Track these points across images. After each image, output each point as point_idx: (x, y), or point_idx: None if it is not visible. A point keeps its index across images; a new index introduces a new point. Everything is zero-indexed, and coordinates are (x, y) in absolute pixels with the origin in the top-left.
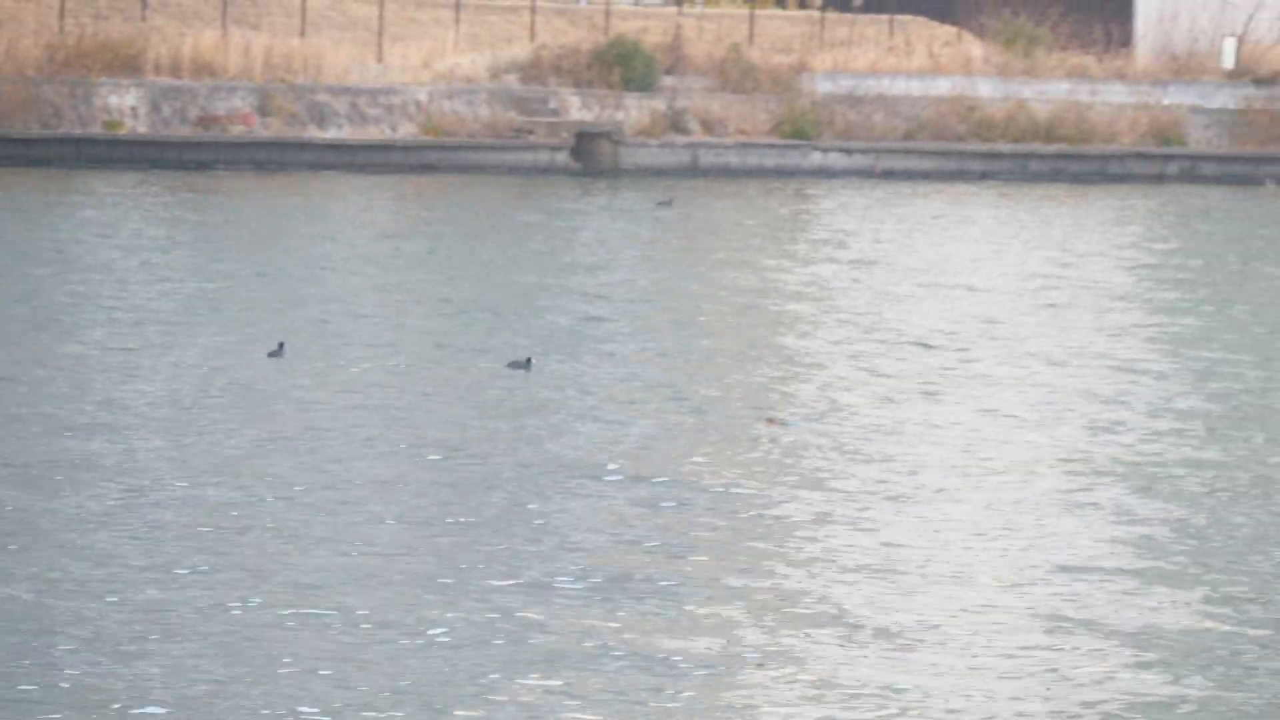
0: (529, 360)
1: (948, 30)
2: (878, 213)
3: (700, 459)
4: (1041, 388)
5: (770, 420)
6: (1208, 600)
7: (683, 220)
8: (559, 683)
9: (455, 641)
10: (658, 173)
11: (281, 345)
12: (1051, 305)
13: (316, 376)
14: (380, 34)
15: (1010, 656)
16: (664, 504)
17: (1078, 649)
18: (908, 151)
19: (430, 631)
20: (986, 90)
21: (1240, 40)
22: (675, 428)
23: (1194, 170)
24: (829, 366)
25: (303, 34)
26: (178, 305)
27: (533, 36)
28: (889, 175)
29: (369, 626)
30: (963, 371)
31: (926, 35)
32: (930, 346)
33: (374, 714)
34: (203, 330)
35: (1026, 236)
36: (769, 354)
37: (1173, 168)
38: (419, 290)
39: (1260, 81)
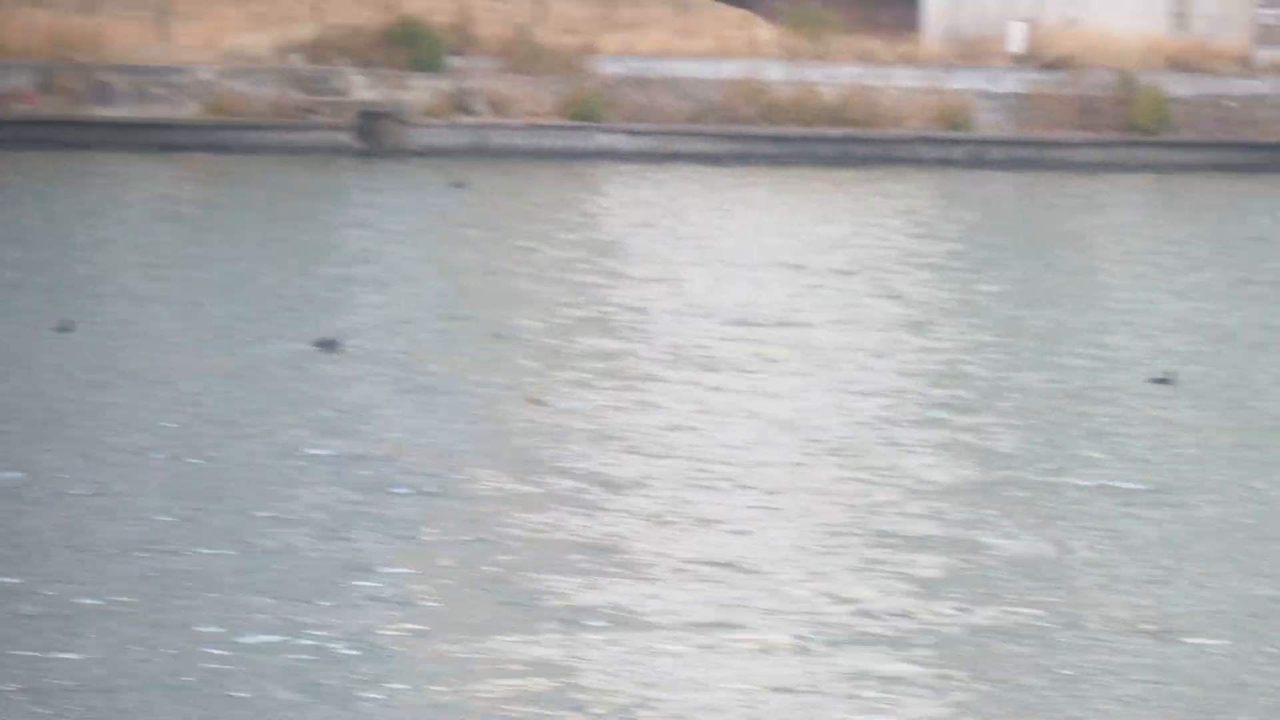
0: (332, 342)
1: (736, 13)
2: (659, 195)
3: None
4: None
5: (531, 400)
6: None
7: (478, 202)
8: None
9: None
10: (444, 154)
11: (69, 323)
12: (813, 286)
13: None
14: (165, 12)
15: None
16: (398, 488)
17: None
18: (694, 134)
19: None
20: (775, 73)
21: (1027, 25)
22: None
23: (981, 154)
24: (603, 351)
25: (86, 11)
26: None
27: (319, 16)
28: (675, 158)
29: None
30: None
31: (715, 18)
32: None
33: None
34: None
35: (798, 218)
36: (538, 336)
37: (959, 152)
38: (212, 273)
39: (1047, 66)
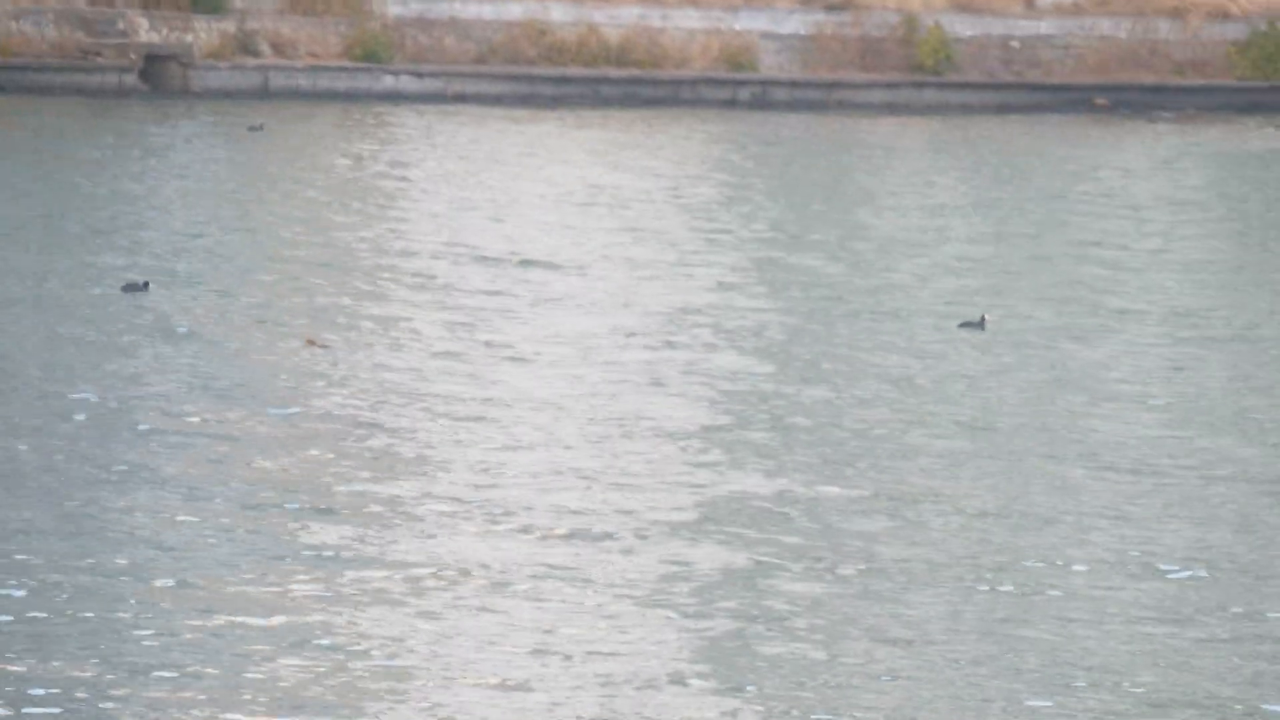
0: (145, 283)
1: None
2: (450, 136)
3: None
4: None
5: (310, 341)
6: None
7: (274, 144)
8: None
9: None
10: (228, 95)
11: None
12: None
13: None
14: None
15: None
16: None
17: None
18: (479, 75)
19: None
20: (558, 14)
21: None
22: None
23: (765, 96)
24: (387, 291)
25: None
26: None
27: None
28: (461, 100)
29: None
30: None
31: None
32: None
33: None
34: None
35: (576, 159)
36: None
37: (744, 93)
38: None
39: (831, 8)
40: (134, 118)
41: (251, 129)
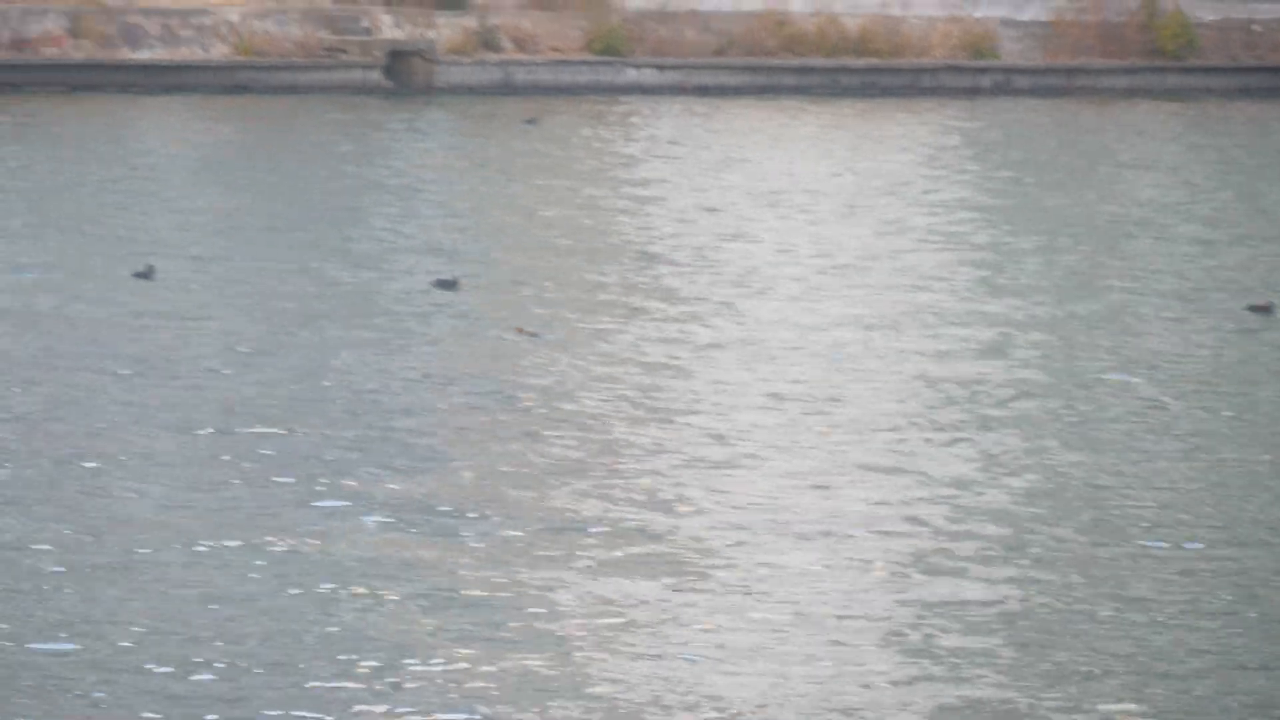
0: (149, 267)
1: None
2: (704, 128)
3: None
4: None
5: (520, 330)
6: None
7: (552, 138)
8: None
9: None
10: (470, 91)
11: (150, 268)
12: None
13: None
14: None
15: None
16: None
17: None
18: (719, 67)
19: None
20: (797, 4)
21: None
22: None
23: (1008, 83)
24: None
25: None
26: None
27: None
28: (702, 92)
29: None
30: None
31: None
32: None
33: None
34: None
35: (850, 152)
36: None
37: (986, 80)
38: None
39: None
40: (392, 113)
41: (527, 123)
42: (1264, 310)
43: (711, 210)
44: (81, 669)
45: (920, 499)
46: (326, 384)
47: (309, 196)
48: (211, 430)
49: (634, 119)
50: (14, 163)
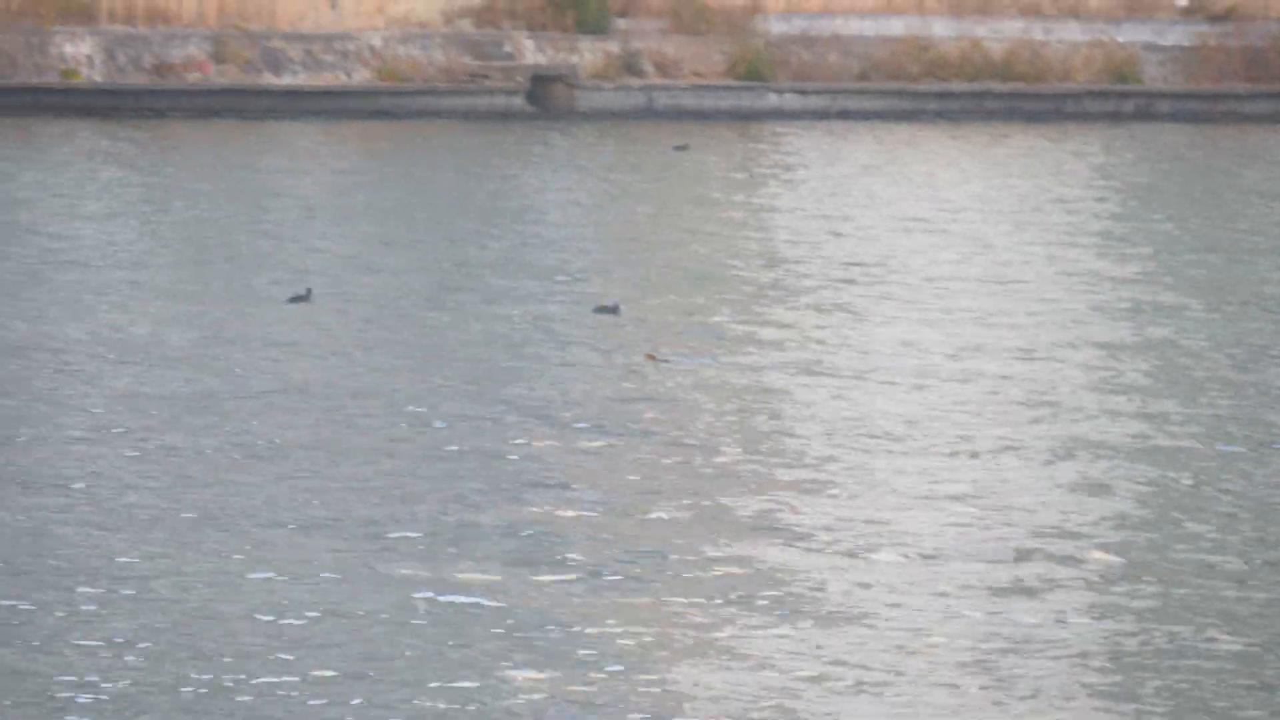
0: (308, 291)
1: None
2: (852, 152)
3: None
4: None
5: (650, 356)
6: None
7: (704, 164)
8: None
9: None
10: (613, 115)
11: (309, 290)
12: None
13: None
14: None
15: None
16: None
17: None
18: (862, 92)
19: None
20: (940, 29)
21: None
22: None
23: (1150, 108)
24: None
25: None
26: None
27: None
28: (845, 116)
29: None
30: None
31: None
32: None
33: None
34: (195, 275)
35: (1010, 176)
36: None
37: (1128, 106)
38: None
39: (1214, 18)
40: (538, 137)
41: (677, 149)
42: None
43: (869, 237)
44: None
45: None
46: (501, 408)
47: (462, 221)
48: (461, 450)
49: (783, 143)
50: (160, 190)
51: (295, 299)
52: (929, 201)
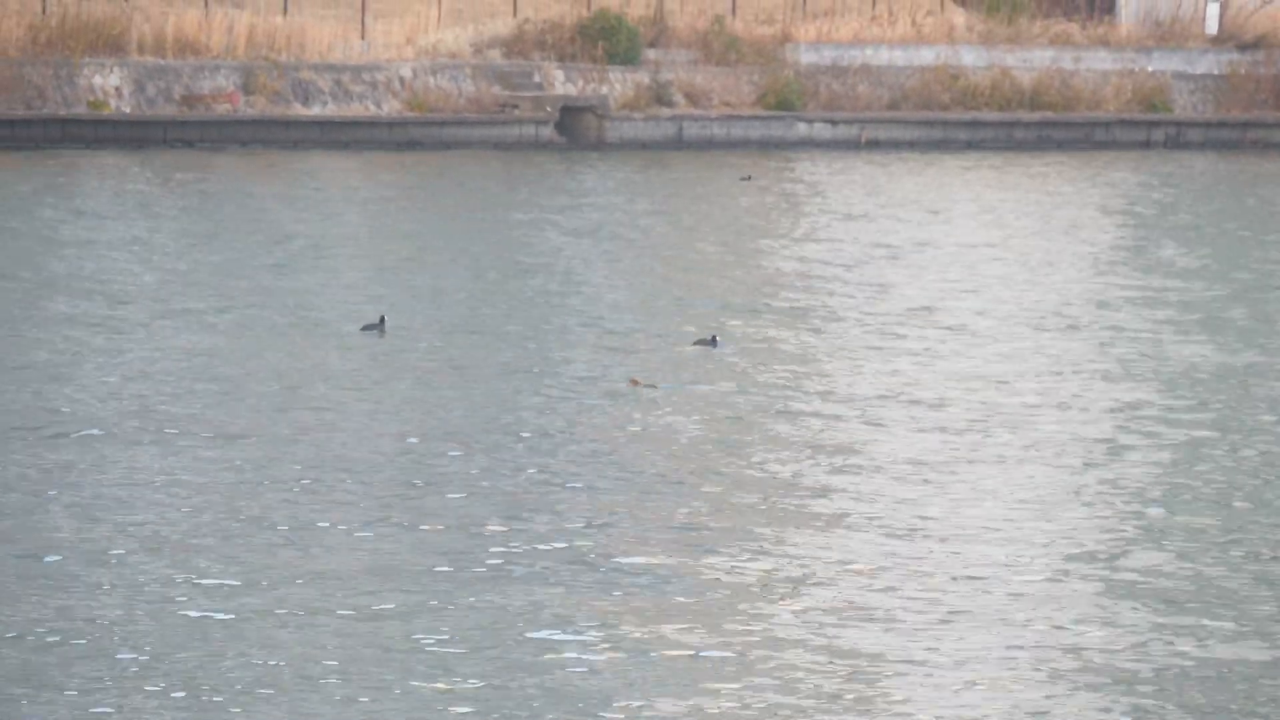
0: (382, 320)
1: None
2: (910, 182)
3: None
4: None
5: (634, 381)
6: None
7: (771, 193)
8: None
9: None
10: (642, 146)
11: (381, 319)
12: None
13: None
14: (363, 10)
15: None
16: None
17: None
18: (893, 121)
19: None
20: (970, 59)
21: (1223, 6)
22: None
23: (1180, 136)
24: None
25: (285, 12)
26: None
27: (515, 11)
28: (874, 146)
29: None
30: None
31: (909, 4)
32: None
33: None
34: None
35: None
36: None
37: (1158, 134)
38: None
39: (1244, 47)
40: (577, 167)
41: (742, 179)
42: None
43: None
44: None
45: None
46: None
47: (525, 252)
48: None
49: (828, 173)
50: (193, 223)
51: (368, 328)
52: (992, 230)
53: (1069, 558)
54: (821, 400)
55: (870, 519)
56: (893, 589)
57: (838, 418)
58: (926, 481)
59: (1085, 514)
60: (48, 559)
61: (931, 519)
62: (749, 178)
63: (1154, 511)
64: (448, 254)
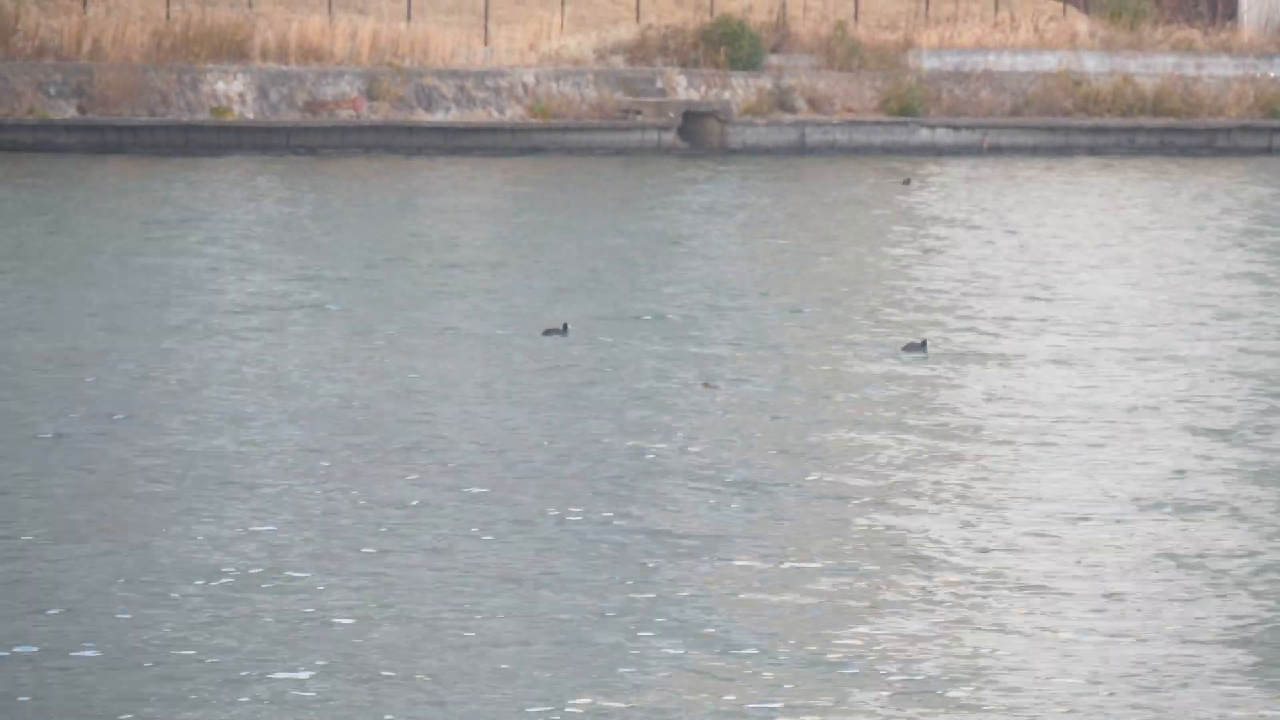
0: (565, 326)
1: (1053, 5)
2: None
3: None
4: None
5: (707, 385)
6: None
7: (938, 197)
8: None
9: None
10: (765, 151)
11: (565, 325)
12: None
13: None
14: (486, 17)
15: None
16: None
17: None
18: (1015, 127)
19: None
20: (1092, 65)
21: None
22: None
23: None
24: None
25: (409, 18)
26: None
27: (638, 17)
28: (996, 151)
29: None
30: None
31: (1031, 10)
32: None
33: None
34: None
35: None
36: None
37: None
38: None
39: None
40: (718, 172)
41: (904, 183)
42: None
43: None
44: None
45: None
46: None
47: (702, 267)
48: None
49: (975, 180)
50: (330, 229)
51: (549, 332)
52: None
53: None
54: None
55: None
56: None
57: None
58: None
59: None
60: None
61: None
62: (909, 181)
63: None
64: (598, 262)
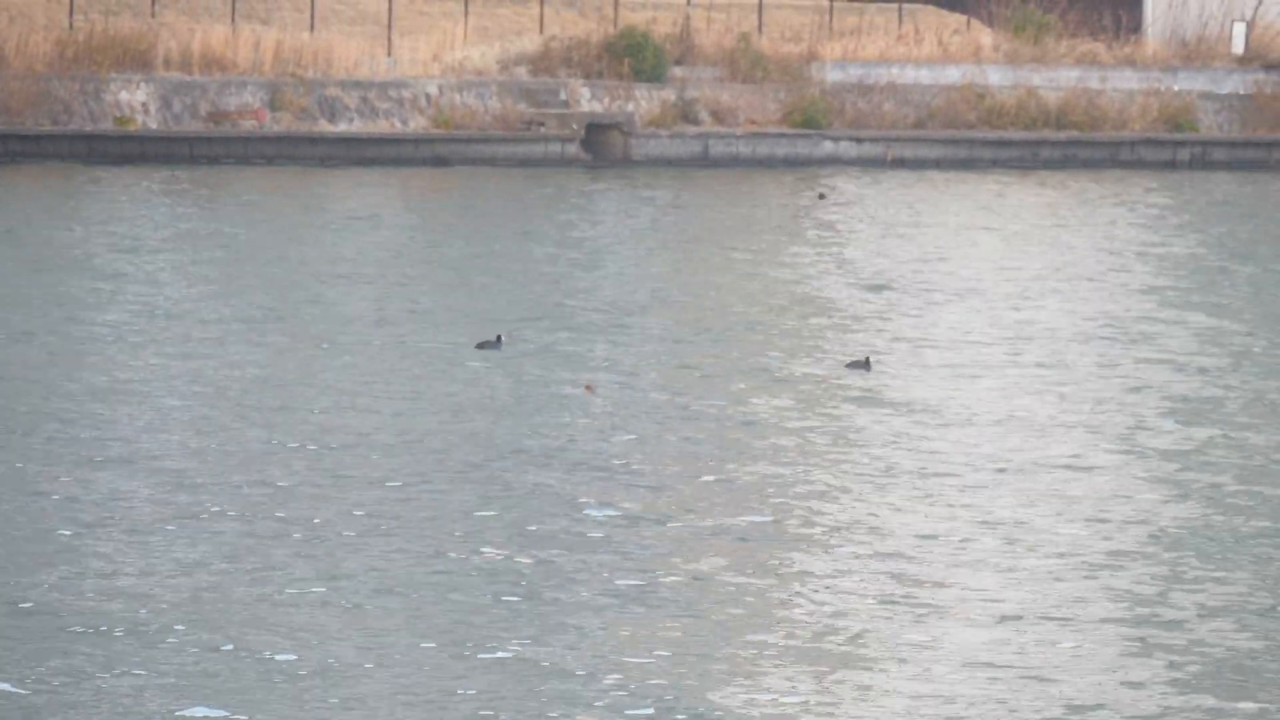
0: (498, 338)
1: (957, 18)
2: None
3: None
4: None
5: (588, 387)
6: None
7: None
8: None
9: None
10: (668, 163)
11: (499, 337)
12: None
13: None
14: (390, 27)
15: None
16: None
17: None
18: (918, 140)
19: None
20: (996, 78)
21: (1250, 25)
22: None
23: (1205, 156)
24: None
25: (312, 28)
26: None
27: (542, 29)
28: (900, 164)
29: None
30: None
31: (936, 23)
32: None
33: None
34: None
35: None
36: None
37: (1184, 154)
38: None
39: (1270, 66)
40: (634, 188)
41: (819, 197)
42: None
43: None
44: None
45: None
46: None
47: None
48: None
49: (880, 193)
50: (234, 242)
51: (483, 345)
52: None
53: None
54: None
55: None
56: None
57: None
58: None
59: None
60: None
61: None
62: (824, 195)
63: None
64: (513, 275)
